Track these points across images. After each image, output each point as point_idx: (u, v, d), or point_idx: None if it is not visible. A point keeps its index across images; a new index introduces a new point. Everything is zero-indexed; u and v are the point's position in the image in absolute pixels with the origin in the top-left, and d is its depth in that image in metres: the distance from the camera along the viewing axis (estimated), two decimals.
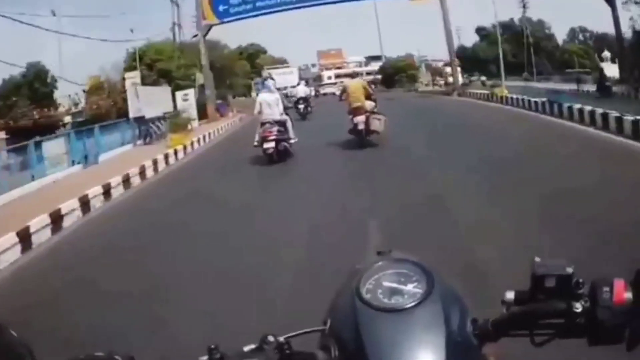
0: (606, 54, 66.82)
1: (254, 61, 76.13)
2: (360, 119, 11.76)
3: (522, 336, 0.80)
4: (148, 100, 20.77)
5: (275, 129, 11.30)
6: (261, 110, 11.62)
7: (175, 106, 24.52)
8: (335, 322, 0.83)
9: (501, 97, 21.76)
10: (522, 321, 0.80)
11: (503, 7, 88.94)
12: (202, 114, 28.38)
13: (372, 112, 11.99)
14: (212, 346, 0.78)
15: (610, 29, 65.59)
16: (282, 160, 11.41)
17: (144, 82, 25.21)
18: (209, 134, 21.12)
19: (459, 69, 32.49)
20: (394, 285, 0.82)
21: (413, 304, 0.78)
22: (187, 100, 24.19)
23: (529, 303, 0.80)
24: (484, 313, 0.84)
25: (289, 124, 11.98)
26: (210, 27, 29.10)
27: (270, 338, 0.79)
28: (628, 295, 0.74)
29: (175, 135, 17.85)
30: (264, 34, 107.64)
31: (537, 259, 0.79)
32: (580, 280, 0.77)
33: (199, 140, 19.14)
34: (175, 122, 19.50)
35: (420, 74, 50.57)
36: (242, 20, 29.28)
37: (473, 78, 48.26)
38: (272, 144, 11.13)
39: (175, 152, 16.18)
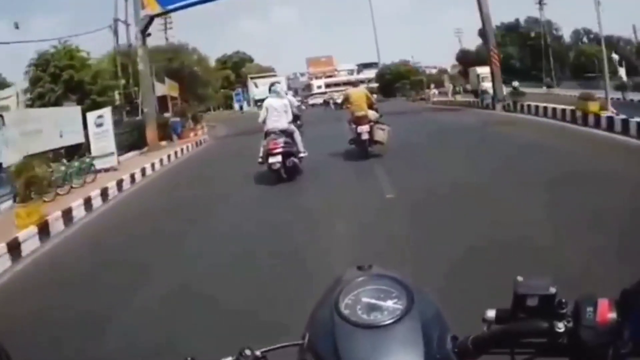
0: (614, 56, 59.34)
1: (239, 70, 69.64)
2: (364, 128, 10.87)
3: (503, 354, 0.77)
4: (22, 132, 11.92)
5: (281, 140, 9.37)
6: (266, 119, 9.76)
7: (87, 135, 15.72)
8: (314, 337, 0.80)
9: (598, 117, 12.96)
10: (503, 340, 0.78)
11: (506, 7, 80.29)
12: (143, 140, 19.68)
13: (376, 122, 11.13)
14: (189, 358, 0.81)
15: (614, 31, 57.92)
16: (291, 179, 9.44)
17: (43, 101, 16.58)
18: (121, 181, 12.28)
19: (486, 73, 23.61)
20: (373, 301, 0.79)
21: (391, 320, 0.75)
22: (102, 125, 15.32)
23: (510, 322, 0.77)
24: (464, 330, 0.80)
25: (297, 135, 9.95)
26: (151, 18, 20.15)
27: (247, 351, 0.80)
28: (612, 315, 0.71)
29: (23, 208, 8.96)
30: (251, 42, 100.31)
31: (520, 278, 0.76)
32: (563, 300, 0.74)
33: (89, 202, 10.28)
34: (22, 176, 10.46)
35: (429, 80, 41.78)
36: (191, 7, 20.39)
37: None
38: (279, 158, 9.23)
39: (17, 245, 7.41)
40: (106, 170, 15.16)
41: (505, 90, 20.99)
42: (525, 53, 59.21)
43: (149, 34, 24.69)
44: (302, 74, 78.68)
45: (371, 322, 0.75)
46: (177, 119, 24.65)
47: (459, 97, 27.82)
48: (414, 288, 0.80)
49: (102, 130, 15.36)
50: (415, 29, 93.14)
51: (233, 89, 62.51)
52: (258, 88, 63.12)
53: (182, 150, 18.82)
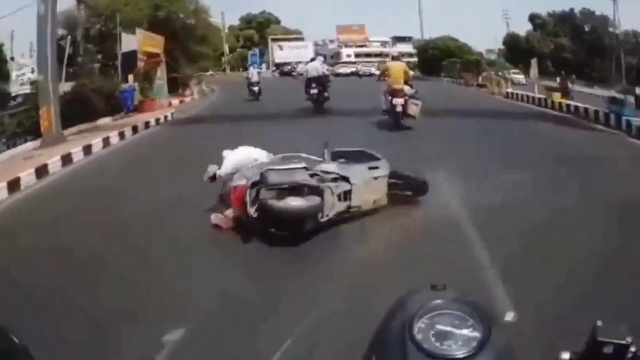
0: None
1: (263, 31, 61.43)
2: (399, 100, 11.19)
3: None
4: None
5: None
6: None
7: None
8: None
9: None
10: None
11: None
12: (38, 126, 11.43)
13: (411, 97, 11.44)
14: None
15: None
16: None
17: None
18: None
19: None
20: (448, 328, 0.74)
21: (467, 354, 0.71)
22: None
23: None
24: None
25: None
26: None
27: None
28: None
29: None
30: (280, 5, 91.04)
31: (599, 323, 0.75)
32: (639, 353, 0.73)
33: None
34: None
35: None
36: None
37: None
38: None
39: None
40: None
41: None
42: (580, 47, 49.60)
43: None
44: (332, 41, 70.08)
45: (444, 352, 0.71)
46: (133, 85, 16.26)
47: (557, 96, 17.75)
48: (492, 316, 0.75)
49: None
50: (452, 8, 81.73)
51: (249, 48, 54.97)
52: (282, 51, 55.71)
53: (88, 147, 10.44)
